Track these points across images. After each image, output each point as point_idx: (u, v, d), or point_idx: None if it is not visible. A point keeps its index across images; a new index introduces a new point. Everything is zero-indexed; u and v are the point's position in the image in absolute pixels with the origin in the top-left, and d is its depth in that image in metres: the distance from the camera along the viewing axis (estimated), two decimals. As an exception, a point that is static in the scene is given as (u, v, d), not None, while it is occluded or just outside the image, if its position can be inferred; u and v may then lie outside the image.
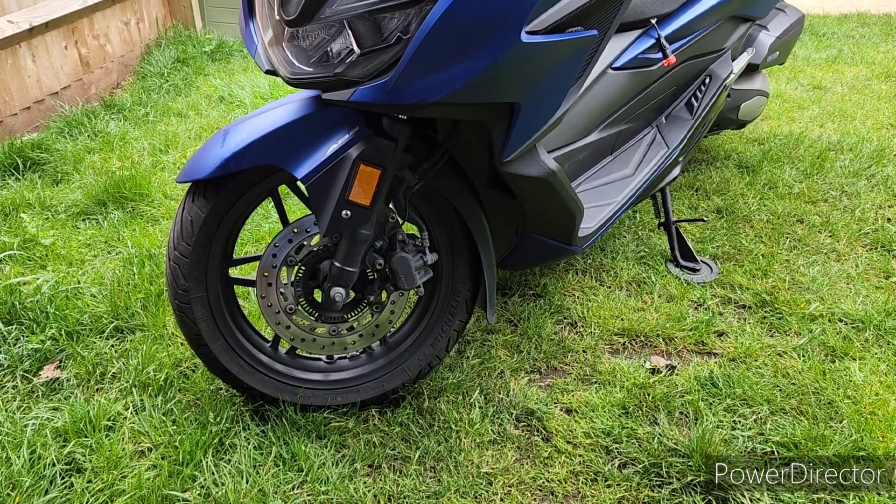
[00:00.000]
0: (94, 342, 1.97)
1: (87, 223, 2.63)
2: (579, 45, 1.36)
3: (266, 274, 1.62)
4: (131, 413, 1.73)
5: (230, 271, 1.69)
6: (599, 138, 2.13)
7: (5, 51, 3.39)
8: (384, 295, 1.69)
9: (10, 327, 1.99)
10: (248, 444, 1.65)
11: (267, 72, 1.43)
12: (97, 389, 1.82)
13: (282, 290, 1.63)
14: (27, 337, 1.96)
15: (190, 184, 1.56)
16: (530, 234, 1.80)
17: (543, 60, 1.32)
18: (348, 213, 1.48)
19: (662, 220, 2.42)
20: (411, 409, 1.79)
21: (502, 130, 1.42)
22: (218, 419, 1.69)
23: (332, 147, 1.46)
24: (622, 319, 2.13)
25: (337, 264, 1.55)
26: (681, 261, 2.38)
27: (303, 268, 1.65)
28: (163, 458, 1.61)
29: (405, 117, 1.46)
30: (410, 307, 1.89)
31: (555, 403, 1.82)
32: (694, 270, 2.36)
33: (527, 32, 1.24)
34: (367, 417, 1.77)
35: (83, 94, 4.01)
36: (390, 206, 1.59)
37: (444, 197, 1.64)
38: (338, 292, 1.57)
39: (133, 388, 1.80)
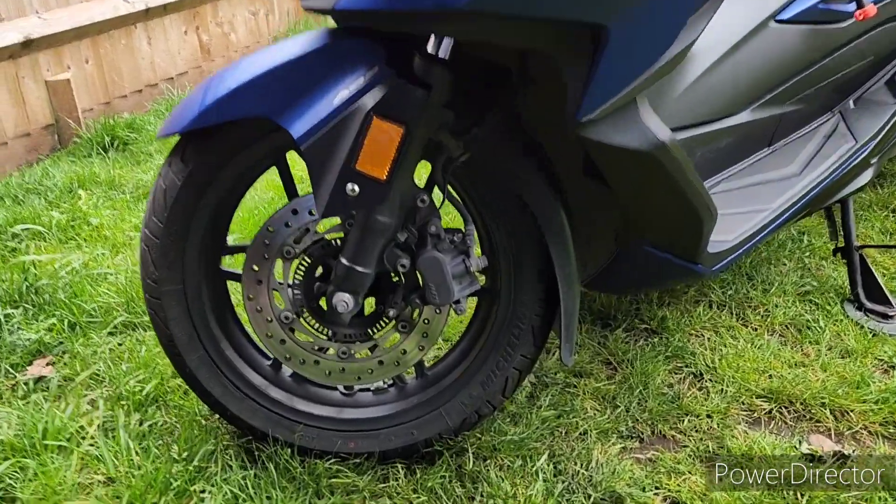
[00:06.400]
0: (94, 338, 1.67)
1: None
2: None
3: (255, 268, 1.22)
4: (96, 431, 1.38)
5: (223, 261, 1.31)
6: (752, 120, 1.59)
7: (119, 31, 3.34)
8: (414, 310, 1.23)
9: (16, 310, 1.75)
10: (220, 493, 1.24)
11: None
12: (72, 395, 1.51)
13: (276, 290, 1.22)
14: (31, 323, 1.71)
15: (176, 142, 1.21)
16: (634, 243, 1.27)
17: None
18: (355, 187, 1.05)
19: (841, 243, 1.88)
20: (448, 471, 1.33)
21: (581, 73, 0.94)
22: (187, 455, 1.30)
23: (342, 94, 1.06)
24: (770, 376, 1.58)
25: (344, 261, 1.13)
26: (865, 301, 1.83)
27: (306, 261, 1.23)
28: (106, 497, 1.24)
29: (444, 56, 1.01)
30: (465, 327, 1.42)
31: (656, 489, 1.31)
32: (885, 316, 1.80)
33: None
34: (386, 475, 1.32)
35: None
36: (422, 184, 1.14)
37: (505, 178, 1.16)
38: (342, 300, 1.14)
39: (108, 402, 1.47)
